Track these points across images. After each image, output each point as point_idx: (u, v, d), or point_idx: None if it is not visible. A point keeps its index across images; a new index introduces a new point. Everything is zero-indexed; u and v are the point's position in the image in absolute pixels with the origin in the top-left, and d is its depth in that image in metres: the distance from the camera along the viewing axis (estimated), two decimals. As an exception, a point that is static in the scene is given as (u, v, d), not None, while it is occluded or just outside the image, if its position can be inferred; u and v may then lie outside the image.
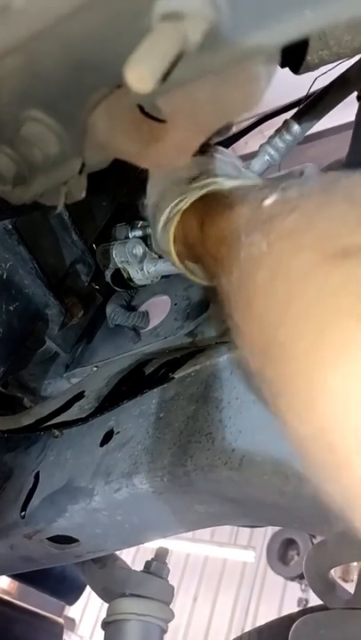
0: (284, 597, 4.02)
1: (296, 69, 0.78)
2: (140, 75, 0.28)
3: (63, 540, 0.83)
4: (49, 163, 0.42)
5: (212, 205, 0.55)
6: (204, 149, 0.68)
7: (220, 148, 0.72)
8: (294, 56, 0.76)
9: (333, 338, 0.29)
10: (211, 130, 0.40)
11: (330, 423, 0.29)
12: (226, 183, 0.60)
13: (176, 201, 0.60)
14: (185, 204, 0.59)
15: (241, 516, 0.72)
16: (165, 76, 0.29)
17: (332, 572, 0.81)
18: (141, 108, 0.42)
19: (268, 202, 0.41)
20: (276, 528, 3.92)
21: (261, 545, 4.16)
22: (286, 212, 0.37)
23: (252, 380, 0.39)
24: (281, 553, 3.93)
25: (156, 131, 0.40)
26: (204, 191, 0.58)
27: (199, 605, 4.31)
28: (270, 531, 4.04)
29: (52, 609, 1.96)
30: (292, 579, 3.83)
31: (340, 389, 0.28)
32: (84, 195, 0.50)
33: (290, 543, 3.92)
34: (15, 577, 1.66)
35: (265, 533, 4.12)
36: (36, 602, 1.82)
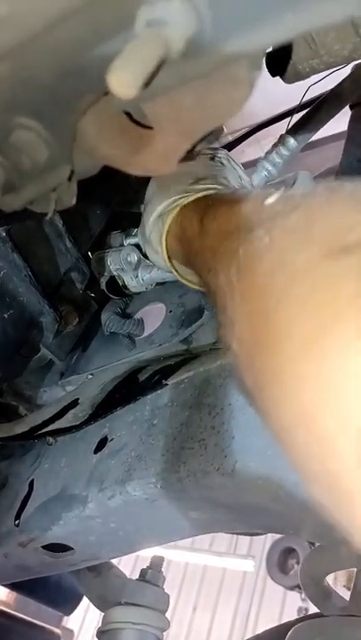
0: (284, 607, 3.99)
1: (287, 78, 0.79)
2: (123, 80, 0.28)
3: (58, 548, 0.83)
4: (38, 169, 0.43)
5: (214, 202, 0.55)
6: (213, 154, 0.69)
7: (228, 156, 0.72)
8: (285, 65, 0.77)
9: (329, 329, 0.29)
10: (197, 135, 0.40)
11: (316, 411, 0.29)
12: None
13: (177, 197, 0.60)
14: (186, 200, 0.60)
15: (235, 523, 0.72)
16: (148, 83, 0.30)
17: (331, 578, 0.81)
18: (129, 115, 0.43)
19: (270, 200, 0.41)
20: (276, 537, 3.90)
21: (261, 554, 4.14)
22: (289, 209, 0.38)
23: (239, 375, 0.39)
24: (281, 562, 3.91)
25: (144, 137, 0.41)
26: (209, 192, 0.59)
27: (199, 615, 4.28)
28: (270, 540, 4.02)
29: (50, 620, 1.95)
30: (292, 588, 3.80)
31: (331, 378, 0.28)
32: (74, 201, 0.50)
33: (289, 552, 3.89)
34: (12, 587, 1.65)
35: (264, 542, 4.10)
36: (33, 613, 1.81)
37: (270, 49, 0.77)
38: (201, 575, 4.46)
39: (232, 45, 0.31)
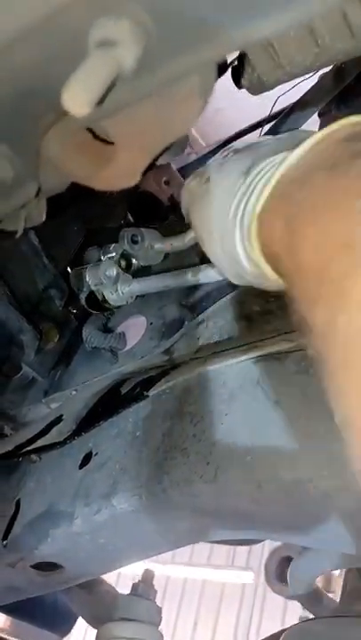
0: (285, 617, 3.95)
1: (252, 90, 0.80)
2: (77, 99, 0.29)
3: (47, 566, 0.82)
4: (5, 188, 0.44)
5: None
6: None
7: None
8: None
9: None
10: (157, 149, 0.41)
11: None
12: None
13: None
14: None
15: (220, 529, 0.72)
16: (102, 100, 0.31)
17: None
18: (92, 132, 0.44)
19: None
20: (273, 547, 3.88)
21: (259, 565, 4.11)
22: None
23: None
24: (279, 572, 3.88)
25: (106, 153, 0.42)
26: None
27: (200, 631, 4.23)
28: (268, 550, 4.00)
29: (49, 644, 1.91)
30: (292, 597, 3.77)
31: None
32: (43, 218, 0.51)
33: (288, 561, 3.87)
34: (6, 611, 1.63)
35: (262, 553, 4.07)
36: (31, 638, 1.77)
37: (235, 62, 0.79)
38: (200, 590, 4.41)
39: (181, 61, 0.32)
